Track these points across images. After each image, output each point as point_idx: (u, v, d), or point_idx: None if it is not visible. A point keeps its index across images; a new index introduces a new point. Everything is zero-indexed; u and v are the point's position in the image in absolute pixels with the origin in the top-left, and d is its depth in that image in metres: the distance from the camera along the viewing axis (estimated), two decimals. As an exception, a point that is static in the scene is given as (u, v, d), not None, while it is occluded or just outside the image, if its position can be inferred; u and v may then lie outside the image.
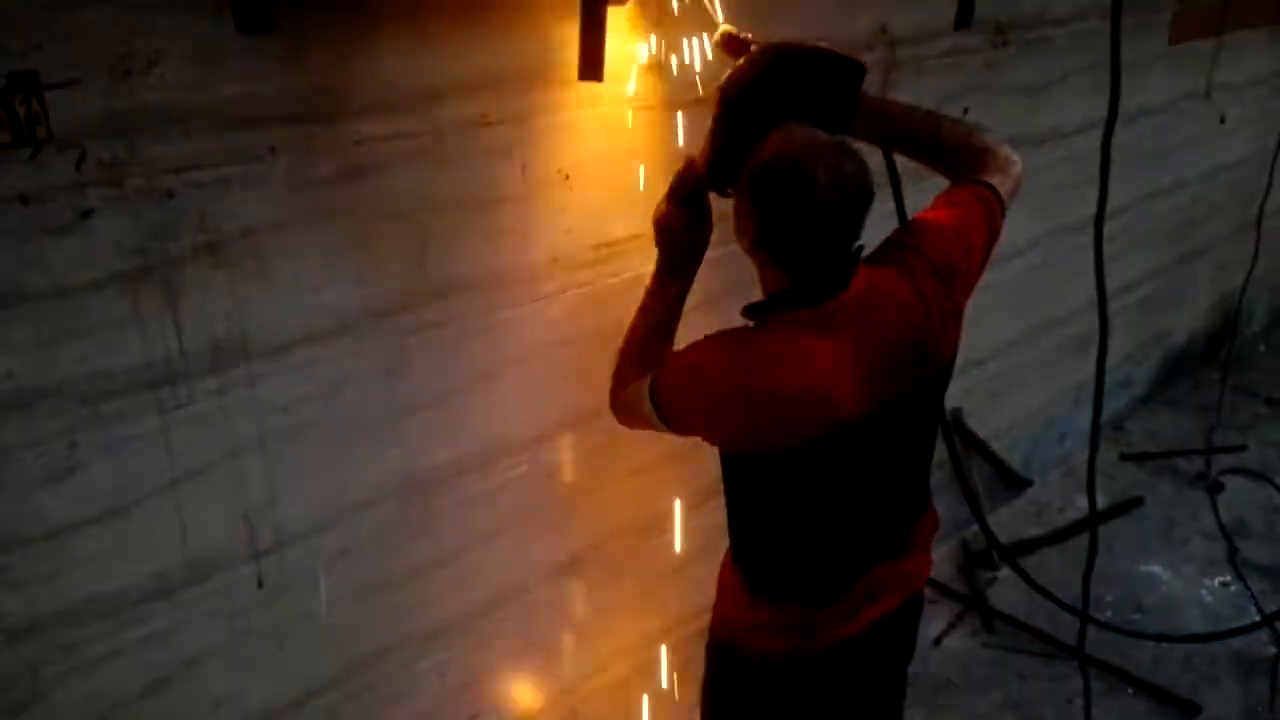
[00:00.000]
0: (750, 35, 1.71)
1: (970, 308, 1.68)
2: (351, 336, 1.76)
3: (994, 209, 1.64)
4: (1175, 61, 3.66)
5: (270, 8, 1.45)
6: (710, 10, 1.72)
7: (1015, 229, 3.25)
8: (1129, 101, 2.32)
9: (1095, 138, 1.91)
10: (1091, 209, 1.95)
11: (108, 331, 1.49)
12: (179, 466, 1.62)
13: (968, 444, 3.48)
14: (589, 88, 1.78)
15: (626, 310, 1.74)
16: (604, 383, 1.72)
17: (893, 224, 1.77)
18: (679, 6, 1.82)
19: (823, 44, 1.62)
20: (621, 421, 1.71)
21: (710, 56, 1.76)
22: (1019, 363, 3.60)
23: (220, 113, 1.50)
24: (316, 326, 1.71)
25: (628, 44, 1.94)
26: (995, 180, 1.65)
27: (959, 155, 1.69)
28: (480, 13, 1.54)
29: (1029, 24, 2.95)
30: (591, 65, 0.95)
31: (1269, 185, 4.17)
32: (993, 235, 1.66)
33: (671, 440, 1.71)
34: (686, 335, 1.64)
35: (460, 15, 1.67)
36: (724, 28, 1.71)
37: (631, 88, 1.95)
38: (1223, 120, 4.03)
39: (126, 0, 1.37)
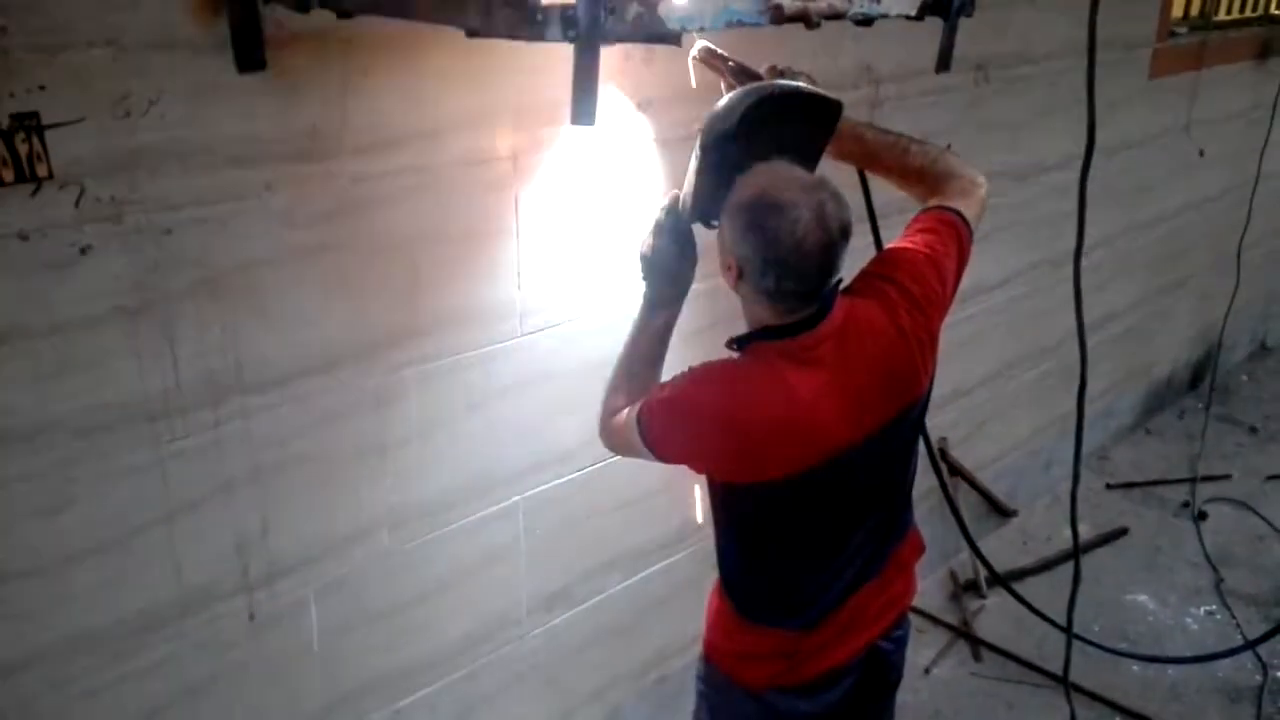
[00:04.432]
0: (727, 54, 1.75)
1: (955, 339, 1.72)
2: (344, 370, 1.78)
3: (962, 234, 1.70)
4: (1155, 96, 3.74)
5: (263, 47, 1.48)
6: (700, 51, 1.77)
7: (999, 261, 3.32)
8: (1110, 136, 2.39)
9: (1077, 172, 1.96)
10: (1069, 242, 2.00)
11: (105, 366, 1.51)
12: (174, 500, 1.64)
13: (954, 474, 3.51)
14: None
15: (616, 344, 1.77)
16: (593, 416, 1.75)
17: (869, 252, 1.82)
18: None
19: (802, 80, 1.67)
20: (610, 448, 1.74)
21: (691, 73, 1.81)
22: (1004, 393, 3.64)
23: (218, 151, 1.53)
24: (310, 360, 1.73)
25: (618, 84, 1.99)
26: (961, 204, 1.72)
27: (925, 178, 1.78)
28: (475, 51, 1.57)
29: (1009, 62, 3.01)
30: (584, 110, 0.98)
31: (1248, 217, 4.25)
32: (963, 260, 1.72)
33: (658, 472, 1.73)
34: (674, 365, 1.67)
35: (455, 53, 1.71)
36: (702, 43, 1.76)
37: (623, 125, 1.99)
38: (1201, 154, 4.11)
39: (128, 42, 1.40)
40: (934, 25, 1.99)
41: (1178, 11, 3.86)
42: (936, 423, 3.16)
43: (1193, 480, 4.16)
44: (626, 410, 1.65)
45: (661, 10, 1.03)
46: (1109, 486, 4.16)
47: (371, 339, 1.80)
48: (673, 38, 1.08)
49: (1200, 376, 4.91)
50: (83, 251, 1.44)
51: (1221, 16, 4.14)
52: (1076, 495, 2.31)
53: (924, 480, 1.83)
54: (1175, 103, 3.90)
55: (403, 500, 1.94)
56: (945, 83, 2.75)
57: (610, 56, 1.89)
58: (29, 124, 1.36)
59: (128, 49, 1.41)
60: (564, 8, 0.94)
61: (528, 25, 0.93)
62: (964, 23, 1.57)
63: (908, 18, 1.39)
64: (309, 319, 1.71)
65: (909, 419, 1.69)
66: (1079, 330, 2.05)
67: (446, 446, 1.98)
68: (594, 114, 1.01)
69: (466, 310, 1.93)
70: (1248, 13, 4.28)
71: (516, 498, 2.14)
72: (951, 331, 1.73)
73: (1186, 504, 4.03)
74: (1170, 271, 4.36)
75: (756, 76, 1.70)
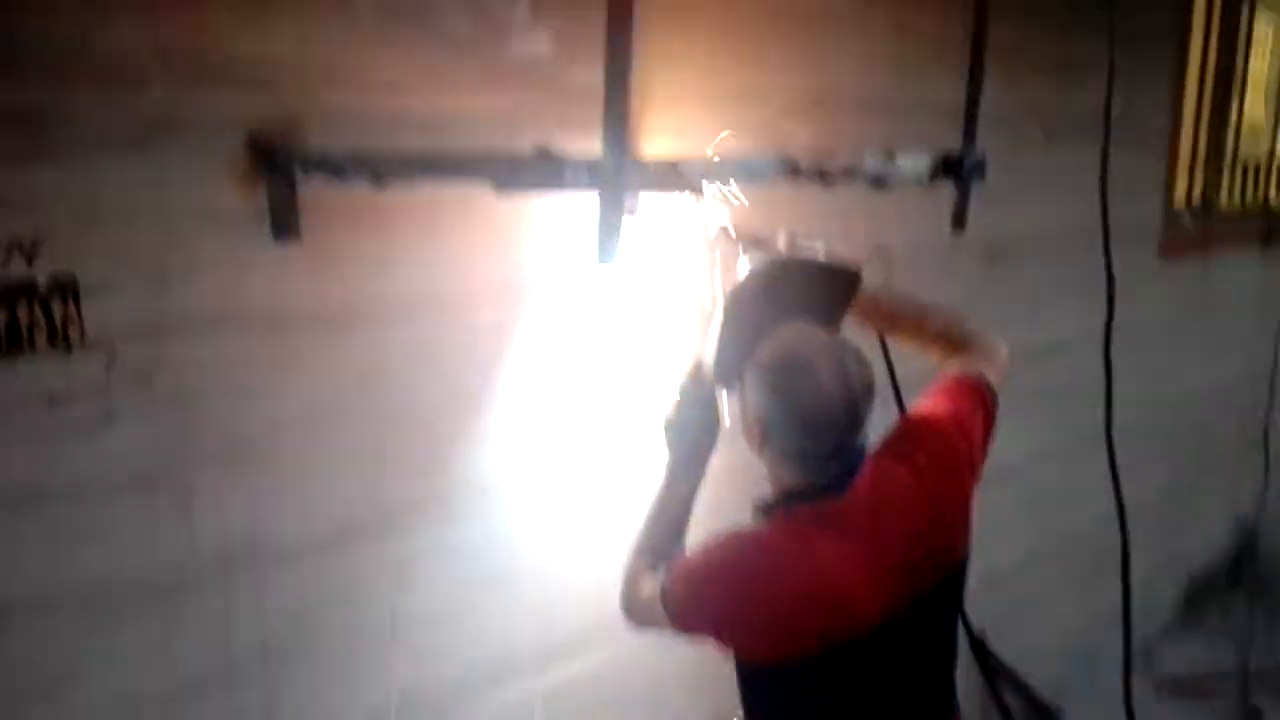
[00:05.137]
0: (747, 227, 1.79)
1: (982, 523, 1.68)
2: (361, 542, 1.74)
3: (987, 397, 1.68)
4: (1166, 277, 3.81)
5: (299, 218, 1.53)
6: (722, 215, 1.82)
7: (1023, 441, 3.28)
8: (1123, 315, 2.41)
9: (1094, 350, 1.96)
10: (1098, 421, 1.97)
11: (120, 535, 1.48)
12: (177, 678, 1.56)
13: (994, 669, 3.34)
14: (598, 291, 1.87)
15: (639, 518, 1.73)
16: (616, 599, 1.69)
17: (892, 417, 1.80)
18: (686, 213, 1.92)
19: (819, 253, 1.70)
20: (631, 621, 1.67)
21: (713, 247, 1.85)
22: (1040, 582, 3.52)
23: (250, 318, 1.55)
24: (327, 531, 1.70)
25: (644, 252, 2.04)
26: (984, 368, 1.71)
27: (945, 342, 1.77)
28: (499, 216, 1.64)
29: (1020, 241, 3.09)
30: (608, 249, 1.00)
31: (1270, 401, 4.22)
32: (989, 423, 1.69)
33: (683, 662, 1.65)
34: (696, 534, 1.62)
35: (480, 220, 1.76)
36: (722, 222, 1.80)
37: (643, 287, 2.03)
38: (1218, 336, 4.14)
39: (169, 213, 1.46)
40: (944, 200, 2.07)
41: (1180, 198, 3.98)
42: (973, 612, 3.04)
43: (1243, 676, 3.95)
44: (649, 581, 1.59)
45: (682, 169, 1.06)
46: (1157, 685, 3.94)
47: (389, 510, 1.77)
48: (693, 187, 1.11)
49: (1241, 564, 4.75)
50: (109, 416, 1.45)
51: (1223, 204, 4.27)
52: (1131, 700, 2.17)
53: (962, 678, 1.74)
54: (1186, 284, 3.97)
55: (417, 680, 1.85)
56: (958, 259, 2.81)
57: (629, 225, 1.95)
58: (66, 289, 1.39)
59: (168, 220, 1.46)
60: (590, 163, 0.97)
61: (557, 177, 0.96)
62: (974, 202, 1.62)
63: (921, 181, 1.44)
64: (329, 489, 1.69)
65: (947, 592, 1.62)
66: (1119, 513, 1.99)
67: (463, 624, 1.91)
68: (616, 253, 1.03)
69: (479, 481, 1.90)
70: (1248, 201, 4.42)
71: (533, 682, 2.03)
72: (978, 515, 1.70)
73: (1238, 701, 3.81)
74: (1198, 456, 4.30)
75: (774, 245, 1.74)
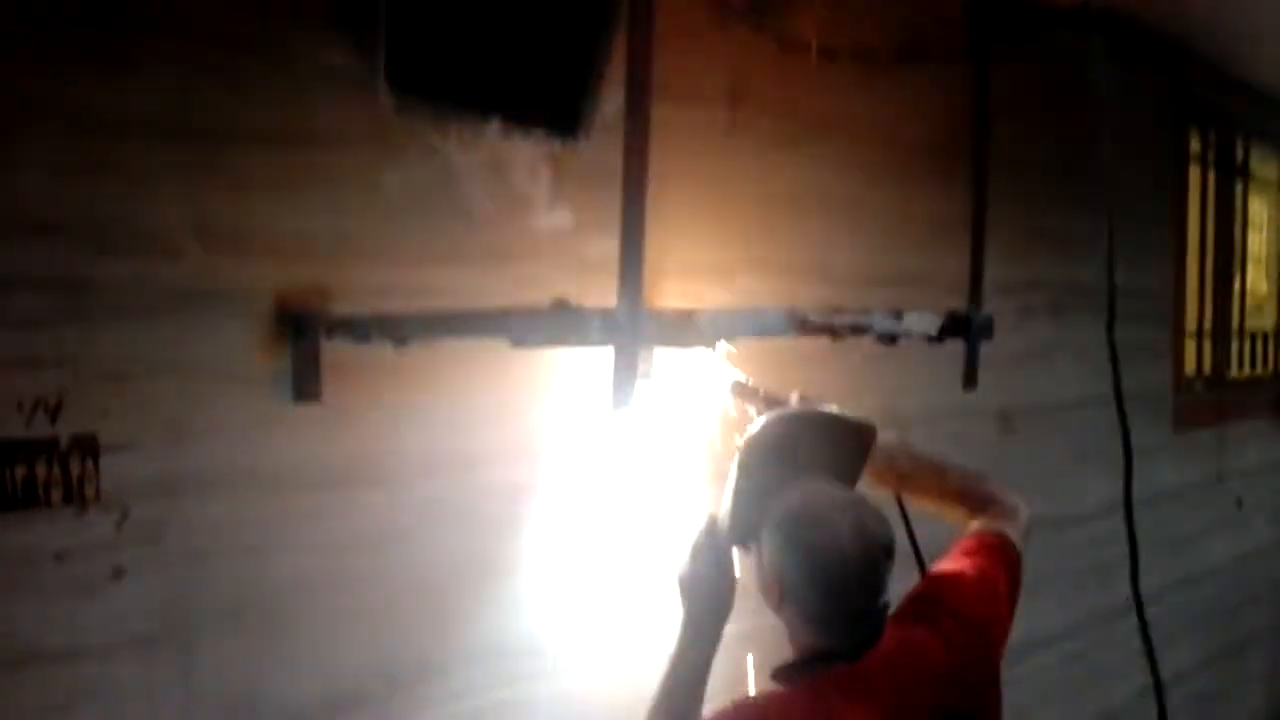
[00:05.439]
0: (760, 385, 1.81)
1: (1008, 703, 1.62)
2: (363, 708, 1.68)
3: (1011, 557, 1.65)
4: (1183, 448, 3.78)
5: (320, 379, 1.56)
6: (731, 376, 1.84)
7: (1046, 616, 3.19)
8: (1141, 487, 2.39)
9: (1114, 521, 1.94)
10: (1122, 594, 1.93)
11: (116, 699, 1.43)
12: None
13: None
14: (612, 448, 1.89)
15: (652, 683, 1.68)
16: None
17: (912, 575, 1.76)
18: (698, 379, 1.95)
19: (833, 407, 1.71)
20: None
21: (726, 405, 1.87)
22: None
23: (265, 477, 1.56)
24: (329, 696, 1.64)
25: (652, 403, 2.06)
26: (1006, 527, 1.68)
27: (965, 501, 1.75)
28: (509, 381, 1.67)
29: (1033, 410, 3.10)
30: (622, 396, 1.02)
31: (1301, 574, 4.13)
32: (1015, 585, 1.65)
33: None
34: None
35: (491, 383, 1.79)
36: (735, 378, 1.82)
37: (658, 449, 2.03)
38: (1240, 505, 4.08)
39: (193, 373, 1.49)
40: (955, 368, 2.09)
41: (1190, 367, 4.01)
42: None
43: None
44: (664, 751, 1.53)
45: (696, 319, 1.09)
46: None
47: (397, 676, 1.72)
48: (706, 342, 1.13)
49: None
50: (115, 574, 1.43)
51: (1234, 373, 4.30)
52: None
53: None
54: (1204, 454, 3.94)
55: None
56: (971, 426, 2.82)
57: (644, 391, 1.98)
58: (86, 448, 1.41)
59: (192, 381, 1.49)
60: (604, 312, 1.00)
61: (573, 329, 0.99)
62: (986, 371, 1.65)
63: (929, 338, 1.46)
64: (336, 652, 1.65)
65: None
66: (1156, 690, 1.92)
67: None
68: (631, 400, 1.05)
69: (493, 647, 1.85)
70: (1259, 370, 4.45)
71: None
72: (1005, 693, 1.65)
73: None
74: (1230, 631, 4.16)
75: (786, 402, 1.76)
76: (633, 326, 0.99)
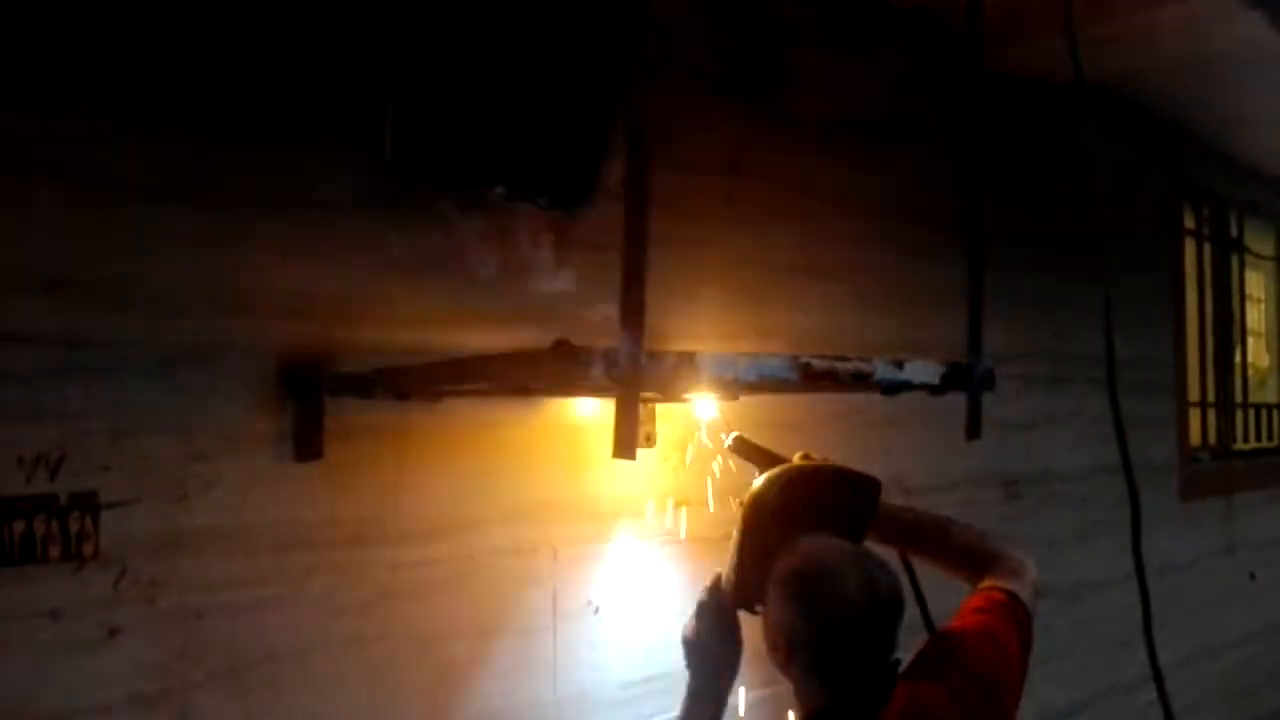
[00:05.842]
0: (760, 443, 1.81)
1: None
2: (362, 778, 1.64)
3: (1020, 615, 1.60)
4: (1190, 519, 3.74)
5: (322, 438, 1.56)
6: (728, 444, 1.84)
7: (1059, 689, 3.11)
8: (1152, 557, 2.35)
9: (1127, 591, 1.91)
10: (1138, 666, 1.88)
11: (111, 760, 1.41)
12: None
13: None
14: (622, 519, 1.89)
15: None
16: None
17: (920, 639, 1.73)
18: (702, 446, 1.94)
19: (835, 461, 1.70)
20: None
21: (727, 461, 1.86)
22: None
23: (264, 535, 1.55)
24: (326, 765, 1.61)
25: (659, 479, 2.05)
26: (1013, 585, 1.63)
27: (971, 559, 1.71)
28: (508, 446, 1.66)
29: (1038, 478, 3.07)
30: (625, 445, 1.02)
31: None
32: (1025, 643, 1.60)
33: None
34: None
35: (490, 447, 1.79)
36: (736, 434, 1.81)
37: (662, 521, 2.01)
38: (1253, 577, 4.02)
39: (195, 432, 1.49)
40: (958, 433, 2.07)
41: (1195, 438, 4.00)
42: None
43: None
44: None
45: (698, 360, 1.10)
46: None
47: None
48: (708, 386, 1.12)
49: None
50: (111, 633, 1.41)
51: (1239, 445, 4.28)
52: None
53: None
54: (1212, 526, 3.90)
55: None
56: (977, 494, 2.80)
57: (647, 458, 1.97)
58: (86, 503, 1.40)
59: (193, 439, 1.50)
60: (606, 351, 1.01)
61: (574, 371, 1.00)
62: (992, 441, 1.63)
63: (930, 388, 1.46)
64: (330, 713, 1.61)
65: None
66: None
67: None
68: (634, 451, 1.04)
69: (496, 713, 1.81)
70: (1264, 442, 4.43)
71: None
72: None
73: None
74: (1253, 706, 4.05)
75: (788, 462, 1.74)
76: (633, 364, 0.99)
